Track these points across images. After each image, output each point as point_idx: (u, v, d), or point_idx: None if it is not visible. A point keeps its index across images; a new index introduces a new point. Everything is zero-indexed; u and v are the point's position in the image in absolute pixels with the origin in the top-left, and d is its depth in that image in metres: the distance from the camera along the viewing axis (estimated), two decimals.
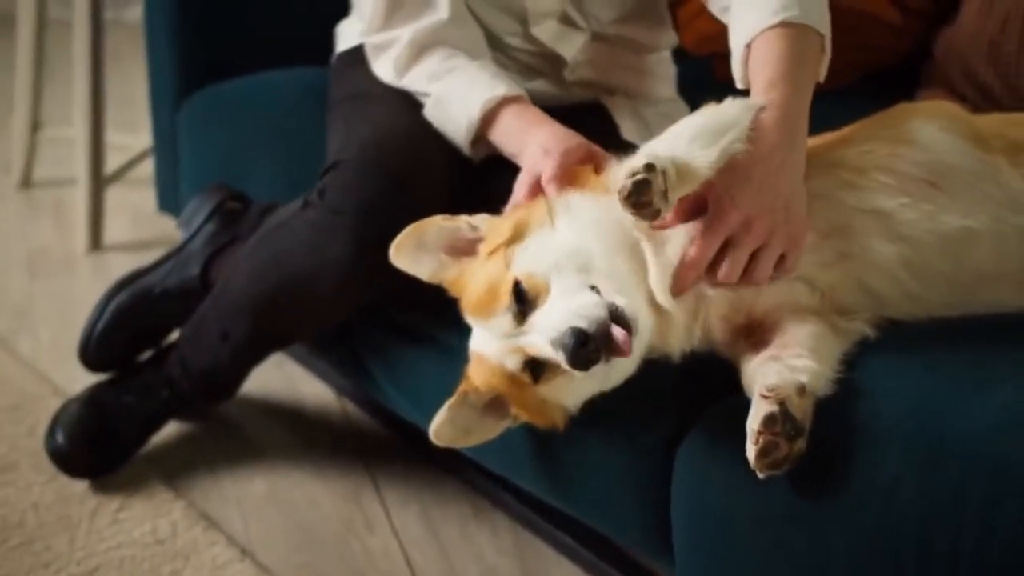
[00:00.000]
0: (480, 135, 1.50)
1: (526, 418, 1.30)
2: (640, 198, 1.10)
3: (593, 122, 1.60)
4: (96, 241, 2.73)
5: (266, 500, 1.82)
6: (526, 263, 1.21)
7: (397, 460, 1.92)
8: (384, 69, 1.63)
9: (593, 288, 1.16)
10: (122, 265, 2.43)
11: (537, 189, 1.34)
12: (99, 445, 1.79)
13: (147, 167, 2.75)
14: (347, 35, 1.82)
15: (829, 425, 1.12)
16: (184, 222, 1.90)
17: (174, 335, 1.87)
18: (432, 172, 1.52)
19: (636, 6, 1.67)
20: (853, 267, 1.23)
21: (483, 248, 1.28)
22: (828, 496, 1.10)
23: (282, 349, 1.90)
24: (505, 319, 1.20)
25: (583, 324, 1.11)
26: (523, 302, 1.18)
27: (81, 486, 1.79)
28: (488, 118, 1.47)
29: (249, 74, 2.09)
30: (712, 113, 1.20)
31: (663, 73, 1.78)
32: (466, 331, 1.31)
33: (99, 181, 2.71)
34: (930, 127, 1.28)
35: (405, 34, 1.57)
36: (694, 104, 1.27)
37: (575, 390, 1.25)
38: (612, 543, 1.63)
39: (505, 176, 1.41)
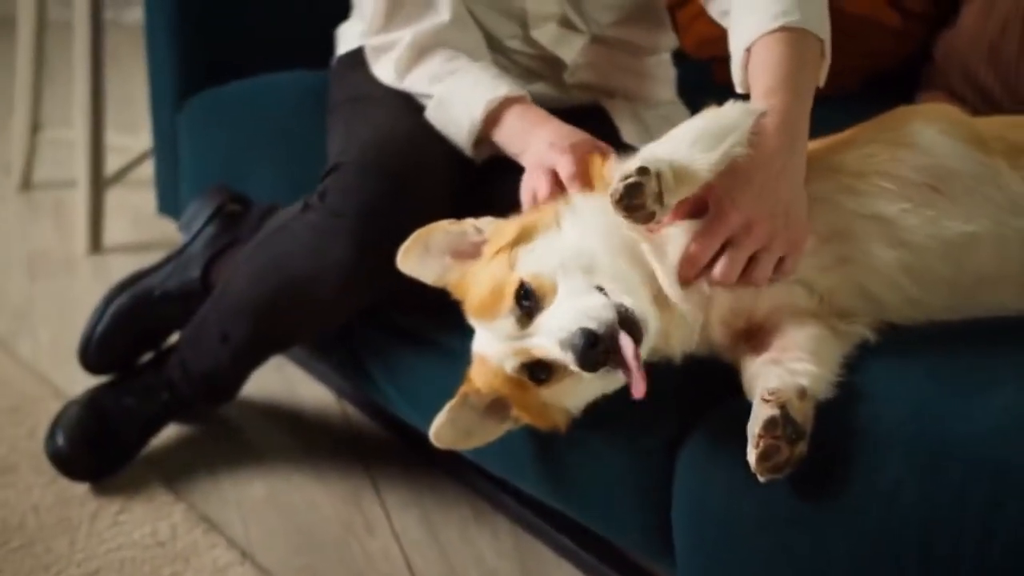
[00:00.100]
0: (483, 136, 1.50)
1: (527, 420, 1.30)
2: (632, 201, 1.10)
3: (593, 125, 1.59)
4: (96, 243, 2.73)
5: (266, 503, 1.82)
6: (532, 264, 1.21)
7: (397, 463, 1.92)
8: (384, 71, 1.63)
9: (600, 289, 1.16)
10: (122, 267, 2.43)
11: (557, 185, 1.33)
12: (99, 447, 1.79)
13: (147, 169, 2.75)
14: (347, 37, 1.82)
15: (830, 428, 1.12)
16: (185, 224, 1.90)
17: (174, 337, 1.87)
18: (433, 174, 1.52)
19: (635, 9, 1.67)
20: (852, 271, 1.23)
21: (487, 250, 1.28)
22: (829, 499, 1.10)
23: (282, 352, 1.91)
24: (509, 321, 1.20)
25: (592, 325, 1.11)
26: (529, 303, 1.18)
27: (81, 488, 1.79)
28: (491, 118, 1.47)
29: (249, 76, 2.09)
30: (713, 116, 1.20)
31: (663, 76, 1.78)
32: (467, 333, 1.31)
33: (99, 183, 2.71)
34: (930, 130, 1.28)
35: (406, 36, 1.57)
36: (694, 107, 1.27)
37: (579, 392, 1.24)
38: (613, 546, 1.63)
39: (507, 177, 1.42)
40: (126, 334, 1.86)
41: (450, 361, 1.43)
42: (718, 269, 1.18)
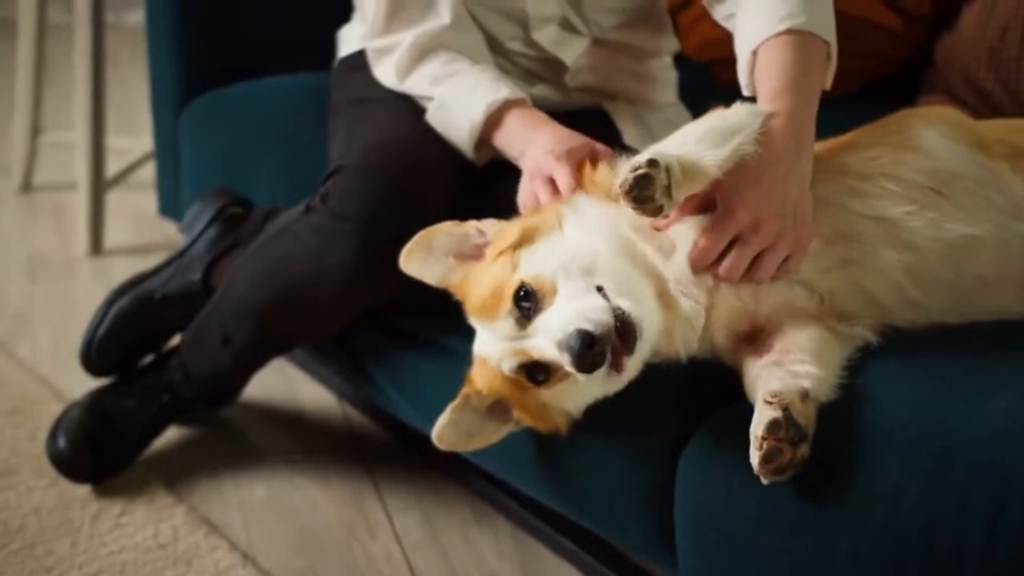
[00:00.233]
0: (483, 138, 1.50)
1: (529, 422, 1.30)
2: (641, 192, 1.10)
3: (595, 127, 1.60)
4: (97, 245, 2.73)
5: (267, 505, 1.82)
6: (533, 265, 1.21)
7: (398, 464, 1.92)
8: (385, 73, 1.63)
9: (600, 290, 1.17)
10: (123, 269, 2.44)
11: (556, 192, 1.34)
12: (100, 449, 1.79)
13: (147, 171, 2.76)
14: (349, 40, 1.83)
15: (832, 431, 1.12)
16: (186, 227, 1.90)
17: (175, 340, 1.87)
18: (435, 176, 1.52)
19: (637, 11, 1.68)
20: (854, 273, 1.24)
21: (489, 252, 1.28)
22: (832, 502, 1.10)
23: (284, 354, 1.91)
24: (508, 321, 1.20)
25: (589, 326, 1.11)
26: (528, 305, 1.19)
27: (82, 490, 1.79)
28: (491, 121, 1.47)
29: (251, 79, 2.09)
30: (719, 117, 1.21)
31: (665, 78, 1.79)
32: (468, 335, 1.31)
33: (100, 185, 2.71)
34: (933, 133, 1.28)
35: (407, 38, 1.57)
36: (695, 110, 1.28)
37: (578, 394, 1.25)
38: (613, 547, 1.63)
39: (508, 180, 1.42)
40: (127, 336, 1.87)
41: (451, 363, 1.43)
42: (724, 265, 1.19)
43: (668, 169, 1.10)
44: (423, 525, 1.78)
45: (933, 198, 1.24)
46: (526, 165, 1.40)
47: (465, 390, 1.31)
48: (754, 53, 1.28)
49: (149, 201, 2.59)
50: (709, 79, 2.12)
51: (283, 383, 2.14)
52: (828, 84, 1.31)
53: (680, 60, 1.87)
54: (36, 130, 3.00)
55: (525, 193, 1.38)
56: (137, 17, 4.54)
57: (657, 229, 1.23)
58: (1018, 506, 1.00)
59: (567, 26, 1.64)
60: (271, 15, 2.15)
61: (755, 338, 1.25)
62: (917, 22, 2.03)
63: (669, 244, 1.23)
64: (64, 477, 1.79)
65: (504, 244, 1.26)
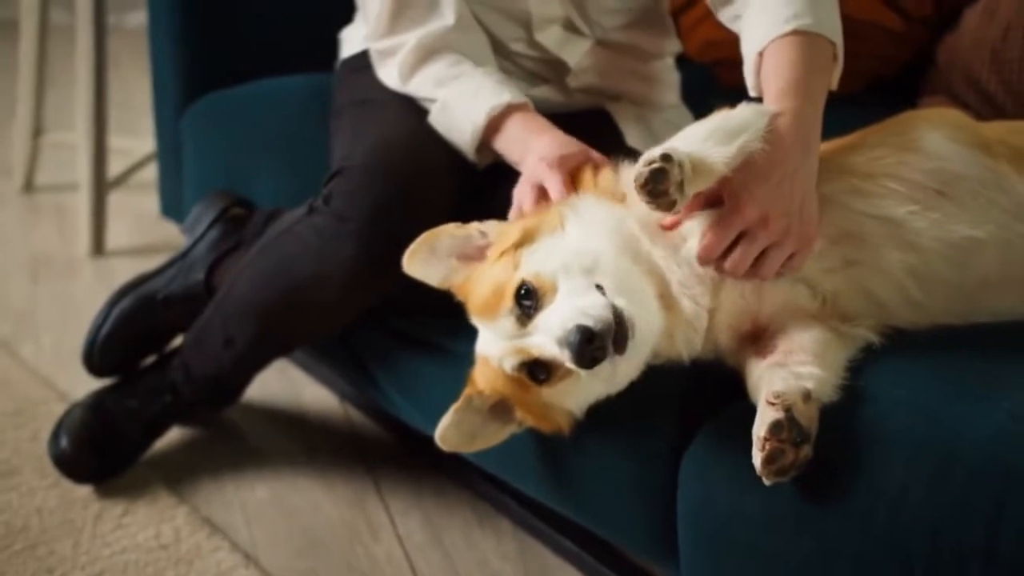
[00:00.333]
0: (484, 142, 1.50)
1: (531, 423, 1.30)
2: (657, 186, 1.10)
3: (597, 129, 1.60)
4: (99, 246, 2.74)
5: (269, 505, 1.82)
6: (534, 264, 1.21)
7: (401, 466, 1.92)
8: (389, 74, 1.63)
9: (600, 288, 1.17)
10: (125, 270, 2.44)
11: (543, 199, 1.34)
12: (103, 450, 1.79)
13: (149, 172, 2.76)
14: (351, 41, 1.83)
15: (835, 432, 1.12)
16: (188, 228, 1.90)
17: (178, 340, 1.87)
18: (438, 178, 1.52)
19: (640, 13, 1.68)
20: (858, 273, 1.24)
21: (491, 252, 1.28)
22: (835, 502, 1.10)
23: (286, 355, 1.91)
24: (509, 320, 1.21)
25: (588, 322, 1.11)
26: (529, 303, 1.19)
27: (85, 491, 1.79)
28: (492, 125, 1.48)
29: (253, 80, 2.10)
30: (725, 116, 1.21)
31: (667, 80, 1.79)
32: (470, 336, 1.31)
33: (102, 186, 2.72)
34: (936, 135, 1.28)
35: (410, 39, 1.57)
36: (697, 111, 1.28)
37: (580, 393, 1.25)
38: (616, 549, 1.63)
39: (510, 182, 1.42)
40: (130, 337, 1.87)
41: (453, 364, 1.43)
42: (731, 260, 1.19)
43: (680, 164, 1.11)
44: (425, 526, 1.78)
45: (936, 199, 1.24)
46: (523, 171, 1.40)
47: (468, 391, 1.31)
48: (760, 54, 1.28)
49: (151, 202, 2.60)
50: (711, 80, 2.12)
51: (285, 384, 2.15)
52: (835, 85, 1.31)
53: (681, 61, 1.87)
54: (38, 131, 3.00)
55: (518, 198, 1.38)
56: (137, 18, 4.55)
57: (664, 228, 1.23)
58: (1021, 507, 1.00)
59: (570, 27, 1.64)
60: (273, 16, 2.16)
61: (758, 339, 1.25)
62: (919, 23, 2.03)
63: (680, 238, 1.23)
64: (66, 477, 1.79)
65: (505, 244, 1.26)
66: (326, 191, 1.53)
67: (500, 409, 1.32)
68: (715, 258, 1.20)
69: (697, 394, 1.31)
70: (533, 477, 1.46)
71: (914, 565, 1.04)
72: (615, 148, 1.40)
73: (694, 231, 1.21)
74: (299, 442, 1.99)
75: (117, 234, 2.80)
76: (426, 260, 1.32)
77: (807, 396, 1.12)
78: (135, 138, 3.09)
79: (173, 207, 2.28)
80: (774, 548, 1.15)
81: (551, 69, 1.67)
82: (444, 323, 1.42)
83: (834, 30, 1.29)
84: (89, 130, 2.65)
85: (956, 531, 1.02)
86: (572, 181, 1.33)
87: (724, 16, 1.44)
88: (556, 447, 1.37)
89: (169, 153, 2.26)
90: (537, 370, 1.21)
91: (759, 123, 1.19)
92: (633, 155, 1.25)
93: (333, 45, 1.90)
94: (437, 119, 1.55)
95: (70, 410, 1.83)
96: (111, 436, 1.79)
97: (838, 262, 1.24)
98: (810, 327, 1.23)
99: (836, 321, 1.24)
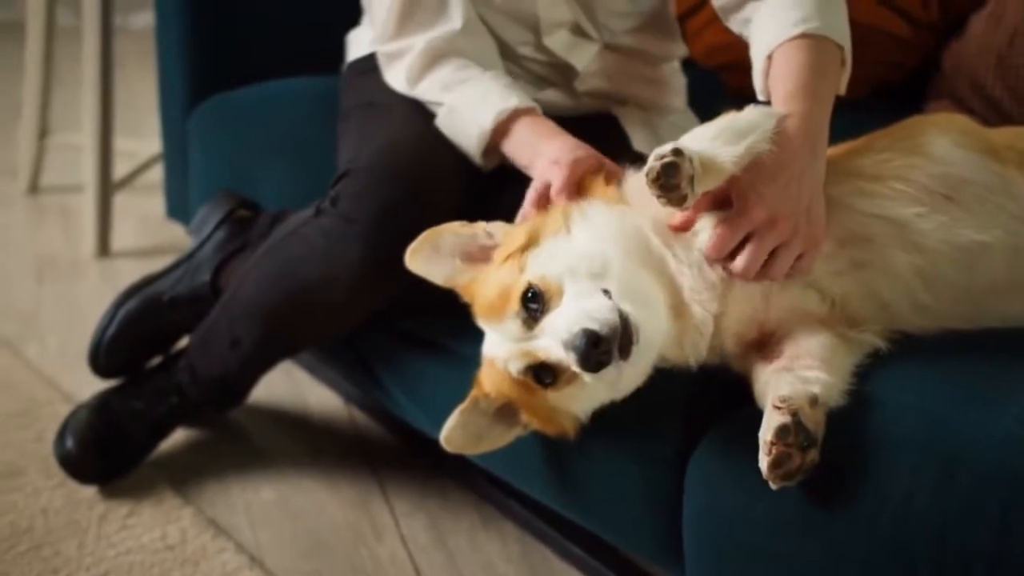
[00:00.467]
0: (492, 146, 1.50)
1: (536, 426, 1.30)
2: (669, 180, 1.10)
3: (604, 133, 1.60)
4: (104, 247, 2.74)
5: (274, 507, 1.82)
6: (540, 267, 1.21)
7: (405, 468, 1.92)
8: (396, 78, 1.63)
9: (606, 292, 1.17)
10: (130, 271, 2.44)
11: (545, 199, 1.35)
12: (108, 451, 1.79)
13: (155, 173, 2.77)
14: (358, 44, 1.83)
15: (842, 436, 1.12)
16: (194, 229, 1.91)
17: (183, 342, 1.87)
18: (445, 181, 1.52)
19: (648, 17, 1.68)
20: (866, 276, 1.24)
21: (498, 254, 1.28)
22: (841, 507, 1.10)
23: (291, 356, 1.91)
24: (515, 323, 1.21)
25: (594, 326, 1.11)
26: (535, 306, 1.19)
27: (90, 492, 1.79)
28: (500, 130, 1.48)
29: (260, 82, 2.10)
30: (733, 117, 1.21)
31: (674, 84, 1.79)
32: (477, 338, 1.31)
33: (107, 187, 2.72)
34: (943, 140, 1.28)
35: (418, 43, 1.57)
36: (704, 115, 1.28)
37: (586, 397, 1.24)
38: (620, 552, 1.63)
39: (517, 185, 1.42)
40: (135, 338, 1.87)
41: (459, 365, 1.43)
42: (739, 260, 1.19)
43: (691, 160, 1.11)
44: (430, 529, 1.78)
45: (944, 203, 1.24)
46: (534, 175, 1.40)
47: (474, 392, 1.31)
48: (769, 57, 1.28)
49: (157, 203, 2.60)
50: (717, 84, 2.13)
51: (291, 386, 2.15)
52: (843, 89, 1.31)
53: (688, 65, 1.87)
54: (44, 132, 3.01)
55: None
56: (143, 20, 4.56)
57: (673, 229, 1.23)
58: None
59: (578, 31, 1.64)
60: (280, 18, 2.16)
61: (764, 344, 1.25)
62: (925, 29, 2.03)
63: (691, 236, 1.23)
64: (71, 478, 1.79)
65: (512, 247, 1.26)
66: (333, 193, 1.54)
67: (506, 412, 1.31)
68: (723, 256, 1.19)
69: (703, 399, 1.31)
70: (538, 480, 1.46)
71: (920, 569, 1.04)
72: (621, 152, 1.41)
73: (704, 227, 1.21)
74: (304, 444, 2.00)
75: (123, 235, 2.80)
76: (428, 257, 1.32)
77: (814, 400, 1.12)
78: (141, 139, 3.10)
79: (179, 208, 2.29)
80: (780, 552, 1.15)
81: (559, 73, 1.67)
82: (449, 324, 1.42)
83: (843, 34, 1.29)
84: (95, 131, 2.66)
85: (962, 536, 1.02)
86: (580, 186, 1.33)
87: (734, 23, 1.44)
88: (562, 450, 1.37)
89: (175, 154, 2.26)
90: (543, 373, 1.21)
91: (767, 124, 1.19)
92: (639, 160, 1.25)
93: (339, 48, 1.90)
94: (444, 123, 1.55)
95: (75, 411, 1.83)
96: (116, 437, 1.80)
97: (846, 265, 1.24)
98: (817, 332, 1.23)
99: (843, 327, 1.24)
